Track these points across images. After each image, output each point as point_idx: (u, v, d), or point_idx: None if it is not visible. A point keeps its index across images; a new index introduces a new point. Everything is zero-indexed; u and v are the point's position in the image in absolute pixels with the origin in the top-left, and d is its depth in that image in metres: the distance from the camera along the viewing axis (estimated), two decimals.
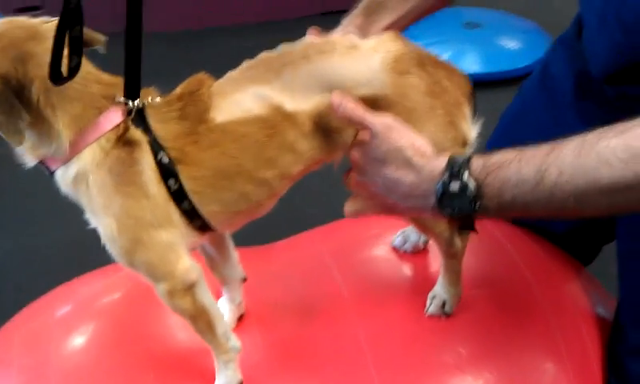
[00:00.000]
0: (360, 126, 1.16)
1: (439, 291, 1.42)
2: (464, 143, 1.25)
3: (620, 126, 0.98)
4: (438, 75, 1.21)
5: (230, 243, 1.40)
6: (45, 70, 1.01)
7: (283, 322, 1.44)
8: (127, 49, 1.11)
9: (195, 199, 1.16)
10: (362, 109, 1.14)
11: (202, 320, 1.23)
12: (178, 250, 1.18)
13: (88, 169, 1.10)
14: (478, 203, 1.04)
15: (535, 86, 1.70)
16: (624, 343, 1.37)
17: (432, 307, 1.42)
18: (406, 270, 1.56)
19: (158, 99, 1.14)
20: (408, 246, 1.56)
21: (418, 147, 1.11)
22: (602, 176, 0.95)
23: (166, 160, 1.11)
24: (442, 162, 1.09)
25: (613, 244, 1.52)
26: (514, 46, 4.02)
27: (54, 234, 2.74)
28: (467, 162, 1.07)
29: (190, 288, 1.19)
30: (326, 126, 1.19)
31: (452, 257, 1.38)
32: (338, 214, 1.75)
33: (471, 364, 1.38)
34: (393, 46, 1.20)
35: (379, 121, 1.13)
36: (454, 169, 1.06)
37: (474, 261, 1.48)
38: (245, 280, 1.44)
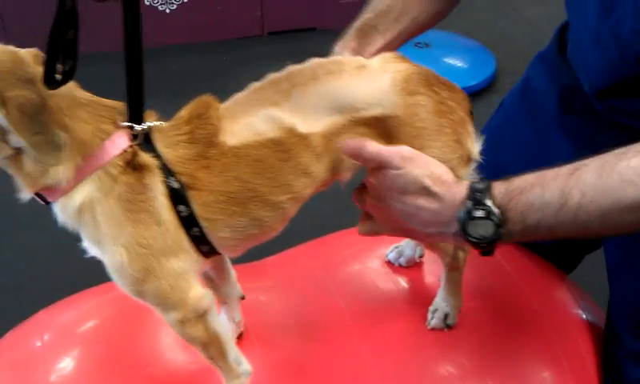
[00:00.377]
0: (378, 161, 1.15)
1: (440, 304, 1.43)
2: (469, 160, 1.26)
3: (638, 146, 1.01)
4: (444, 94, 1.21)
5: (228, 262, 1.37)
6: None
7: (284, 340, 1.42)
8: (129, 72, 1.08)
9: (206, 226, 1.12)
10: (376, 145, 1.14)
11: (213, 347, 1.20)
12: (189, 277, 1.15)
13: (95, 197, 1.05)
14: (502, 229, 1.06)
15: (516, 101, 1.74)
16: (621, 349, 1.41)
17: (434, 320, 1.42)
18: (402, 283, 1.56)
19: (161, 123, 1.12)
20: (402, 261, 1.57)
21: (438, 175, 1.12)
22: (626, 195, 0.98)
23: (176, 185, 1.08)
24: (462, 190, 1.10)
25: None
26: (462, 65, 4.14)
27: None
28: (489, 189, 1.08)
29: (202, 316, 1.16)
30: (336, 147, 1.17)
31: (454, 269, 1.39)
32: (327, 229, 1.75)
33: (475, 374, 1.40)
34: (401, 66, 1.20)
35: (397, 154, 1.13)
36: (477, 196, 1.08)
37: (468, 273, 1.49)
38: (243, 298, 1.41)
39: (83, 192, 1.05)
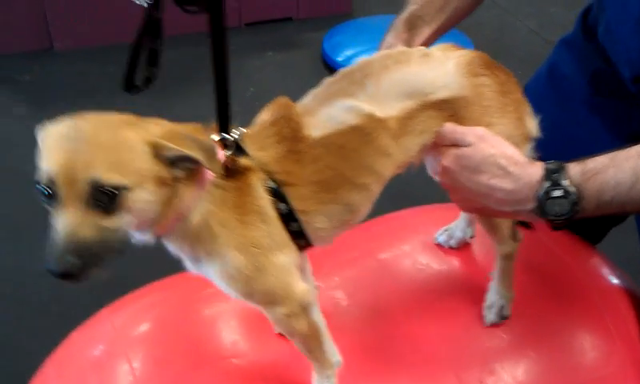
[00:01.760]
0: (453, 139, 1.23)
1: (495, 299, 1.50)
2: (529, 138, 1.35)
3: None
4: (502, 76, 1.30)
5: (306, 256, 1.41)
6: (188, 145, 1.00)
7: (354, 325, 1.48)
8: (218, 88, 1.11)
9: (304, 218, 1.18)
10: (452, 124, 1.23)
11: (313, 339, 1.25)
12: (293, 271, 1.20)
13: (210, 210, 1.08)
14: (577, 207, 1.16)
15: (542, 85, 1.82)
16: None
17: (491, 316, 1.49)
18: (455, 263, 1.64)
19: (244, 130, 1.17)
20: (453, 242, 1.65)
21: (510, 156, 1.21)
22: None
23: (273, 184, 1.13)
24: (537, 170, 1.19)
25: None
26: None
27: None
28: (565, 170, 1.17)
29: (306, 309, 1.22)
30: (412, 130, 1.25)
31: (507, 258, 1.47)
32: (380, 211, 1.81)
33: (535, 342, 1.49)
34: (461, 52, 1.29)
35: (471, 131, 1.22)
36: (554, 177, 1.17)
37: None
38: (317, 289, 1.47)
39: (200, 209, 1.08)
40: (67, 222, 0.93)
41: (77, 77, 4.26)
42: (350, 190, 1.22)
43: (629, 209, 1.18)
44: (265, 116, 1.20)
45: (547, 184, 1.17)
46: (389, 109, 1.21)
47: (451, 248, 1.65)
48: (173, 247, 1.15)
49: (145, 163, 0.97)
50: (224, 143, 1.12)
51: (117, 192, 0.94)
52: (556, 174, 1.17)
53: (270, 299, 1.18)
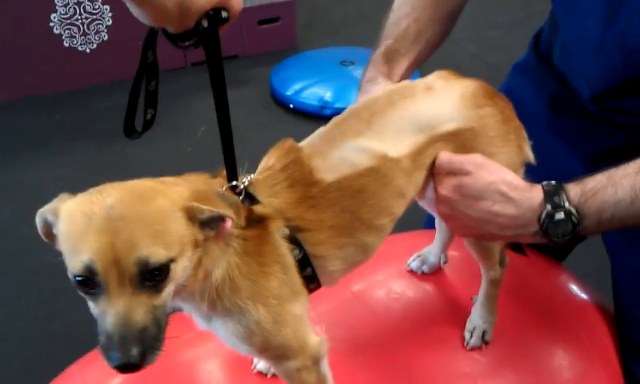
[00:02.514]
0: (450, 168, 1.24)
1: (478, 322, 1.50)
2: (526, 163, 1.37)
3: None
4: (501, 104, 1.32)
5: None
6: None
7: (333, 360, 1.45)
8: (223, 137, 1.08)
9: (319, 263, 1.15)
10: (448, 153, 1.24)
11: None
12: (306, 321, 1.17)
13: (233, 262, 1.05)
14: (579, 226, 1.18)
15: None
16: (635, 325, 1.54)
17: (473, 339, 1.49)
18: (429, 289, 1.64)
19: (253, 176, 1.13)
20: (426, 268, 1.65)
21: (510, 181, 1.22)
22: None
23: (286, 231, 1.10)
24: (538, 194, 1.21)
25: None
26: None
27: None
28: (565, 191, 1.19)
29: (317, 362, 1.19)
30: (421, 165, 1.24)
31: (495, 284, 1.48)
32: None
33: (513, 363, 1.50)
34: (463, 82, 1.30)
35: (469, 160, 1.23)
36: (555, 199, 1.19)
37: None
38: None
39: (222, 263, 1.04)
40: (120, 309, 0.87)
41: (24, 127, 4.16)
42: (366, 232, 1.20)
43: (630, 224, 1.20)
44: (270, 161, 1.16)
45: (549, 207, 1.19)
46: (400, 147, 1.20)
47: (424, 274, 1.64)
48: (188, 306, 1.10)
49: (182, 230, 0.92)
50: (234, 192, 1.09)
51: (164, 267, 0.89)
52: (557, 197, 1.19)
53: (283, 353, 1.13)
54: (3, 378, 2.49)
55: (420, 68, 1.61)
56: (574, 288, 1.71)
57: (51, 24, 4.24)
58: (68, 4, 4.22)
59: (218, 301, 1.05)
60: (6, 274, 3.02)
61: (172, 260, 0.90)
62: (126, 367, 0.87)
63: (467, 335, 1.50)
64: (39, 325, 2.75)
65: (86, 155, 3.74)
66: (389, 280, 1.65)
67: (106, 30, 4.37)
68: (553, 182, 1.22)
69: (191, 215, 0.94)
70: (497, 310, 1.51)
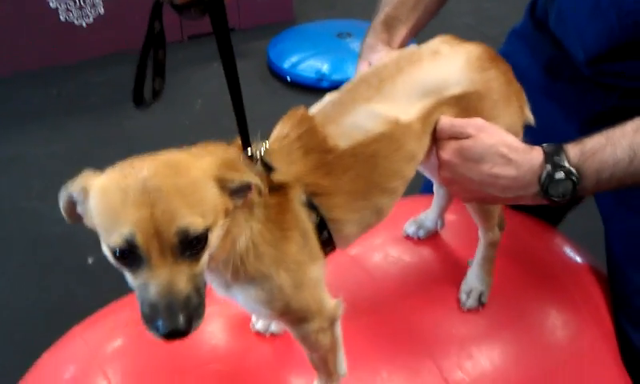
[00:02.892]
0: (452, 132, 1.25)
1: (475, 284, 1.52)
2: (526, 125, 1.39)
3: None
4: (503, 67, 1.34)
5: None
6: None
7: None
8: (235, 107, 1.10)
9: (335, 227, 1.17)
10: (449, 117, 1.25)
11: (332, 353, 1.24)
12: (323, 285, 1.19)
13: (256, 229, 1.06)
14: (579, 185, 1.19)
15: None
16: (629, 286, 1.56)
17: (470, 301, 1.52)
18: (425, 254, 1.66)
19: (267, 145, 1.14)
20: (422, 233, 1.67)
21: (510, 143, 1.23)
22: None
23: (304, 197, 1.12)
24: (538, 154, 1.22)
25: None
26: None
27: None
28: (564, 152, 1.21)
29: (333, 324, 1.21)
30: (429, 128, 1.26)
31: (493, 245, 1.51)
32: None
33: (509, 324, 1.53)
34: (467, 46, 1.32)
35: (470, 123, 1.24)
36: (555, 159, 1.20)
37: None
38: None
39: (246, 231, 1.05)
40: (163, 279, 0.88)
41: (21, 101, 4.17)
42: (380, 195, 1.23)
43: (628, 183, 1.21)
44: (284, 130, 1.17)
45: (549, 167, 1.20)
46: (410, 111, 1.22)
47: (420, 239, 1.66)
48: (210, 276, 1.10)
49: (216, 199, 0.94)
50: (250, 160, 1.10)
51: (202, 236, 0.90)
52: (557, 157, 1.21)
53: (303, 316, 1.15)
54: (3, 346, 2.52)
55: (418, 38, 1.62)
56: (569, 250, 1.74)
57: None
58: None
59: (242, 268, 1.06)
60: (4, 246, 3.04)
61: (208, 229, 0.91)
62: (174, 334, 0.88)
63: (464, 297, 1.52)
64: (37, 296, 2.78)
65: (83, 129, 3.75)
66: (386, 245, 1.67)
67: (102, 4, 4.36)
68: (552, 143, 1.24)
69: (223, 184, 0.95)
70: (493, 272, 1.53)
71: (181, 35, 4.58)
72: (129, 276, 0.92)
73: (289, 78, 4.19)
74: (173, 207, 0.88)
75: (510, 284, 1.59)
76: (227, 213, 0.97)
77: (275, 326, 1.41)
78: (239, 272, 1.07)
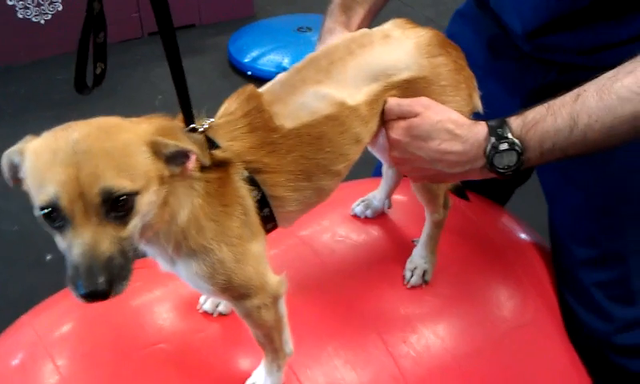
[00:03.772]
0: (399, 112, 1.27)
1: (419, 262, 1.55)
2: (475, 111, 1.41)
3: (627, 67, 1.19)
4: (454, 54, 1.36)
5: None
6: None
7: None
8: (176, 83, 1.10)
9: (276, 204, 1.18)
10: (396, 98, 1.28)
11: (277, 330, 1.25)
12: (264, 260, 1.20)
13: (197, 203, 1.06)
14: (523, 156, 1.22)
15: None
16: (571, 259, 1.60)
17: (414, 278, 1.55)
18: (373, 232, 1.69)
19: (211, 121, 1.15)
20: (369, 213, 1.69)
21: (455, 119, 1.26)
22: (624, 111, 1.16)
23: (246, 173, 1.13)
24: (482, 128, 1.25)
25: None
26: None
27: None
28: (507, 124, 1.24)
29: (276, 300, 1.22)
30: (376, 112, 1.28)
31: (438, 225, 1.54)
32: None
33: (454, 300, 1.56)
34: (418, 31, 1.33)
35: (417, 102, 1.27)
36: (498, 131, 1.23)
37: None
38: None
39: (187, 204, 1.05)
40: (86, 240, 0.89)
41: None
42: (323, 176, 1.24)
43: (571, 153, 1.24)
44: (232, 106, 1.17)
45: (493, 139, 1.23)
46: (357, 95, 1.24)
47: (367, 218, 1.69)
48: (152, 250, 1.11)
49: (148, 164, 0.94)
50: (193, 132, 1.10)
51: (129, 198, 0.90)
52: (500, 129, 1.24)
53: (245, 292, 1.16)
54: None
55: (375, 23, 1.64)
56: (513, 227, 1.78)
57: None
58: None
59: (184, 242, 1.07)
60: None
61: (137, 192, 0.92)
62: (93, 295, 0.88)
63: (408, 274, 1.55)
64: None
65: (44, 126, 3.57)
66: (334, 224, 1.69)
67: (60, 1, 4.32)
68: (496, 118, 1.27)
69: (156, 149, 0.95)
70: (437, 251, 1.56)
71: (141, 32, 4.55)
72: (58, 239, 0.93)
73: (249, 73, 4.19)
74: (99, 168, 0.88)
75: (456, 261, 1.63)
76: (163, 180, 0.98)
77: (223, 307, 1.43)
78: (182, 246, 1.08)
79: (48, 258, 2.82)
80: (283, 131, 1.17)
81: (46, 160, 0.89)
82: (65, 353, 1.38)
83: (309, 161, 1.20)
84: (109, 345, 1.38)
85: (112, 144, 0.91)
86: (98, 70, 1.07)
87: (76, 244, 0.89)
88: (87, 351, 1.38)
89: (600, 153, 1.24)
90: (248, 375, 1.34)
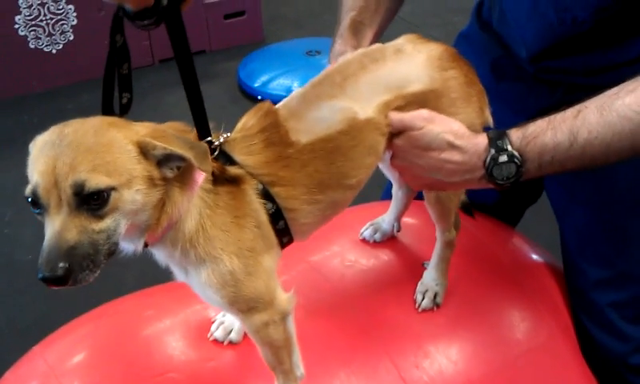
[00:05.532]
0: (401, 126, 1.28)
1: (430, 284, 1.55)
2: (485, 126, 1.42)
3: (628, 86, 1.19)
4: (465, 68, 1.37)
5: None
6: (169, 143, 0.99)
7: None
8: (189, 97, 1.12)
9: (291, 216, 1.19)
10: (398, 113, 1.28)
11: (285, 350, 1.24)
12: (275, 276, 1.20)
13: (205, 214, 1.08)
14: (522, 168, 1.23)
15: None
16: (584, 280, 1.59)
17: (425, 301, 1.54)
18: (382, 256, 1.68)
19: (228, 135, 1.16)
20: (378, 236, 1.69)
21: (456, 131, 1.27)
22: (623, 128, 1.17)
23: (260, 187, 1.14)
24: (482, 140, 1.26)
25: None
26: None
27: None
28: (507, 136, 1.25)
29: (285, 318, 1.22)
30: (387, 123, 1.28)
31: (449, 245, 1.53)
32: None
33: (466, 322, 1.55)
34: (429, 45, 1.35)
35: (418, 115, 1.27)
36: (498, 143, 1.24)
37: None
38: None
39: (195, 213, 1.07)
40: (54, 227, 0.92)
41: None
42: (337, 190, 1.25)
43: (569, 167, 1.24)
44: (248, 121, 1.20)
45: (493, 151, 1.24)
46: (370, 107, 1.25)
47: (376, 242, 1.68)
48: (162, 256, 1.13)
49: (132, 162, 0.96)
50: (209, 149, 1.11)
51: (103, 193, 0.93)
52: (500, 141, 1.25)
53: (253, 305, 1.16)
54: None
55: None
56: (525, 248, 1.77)
57: (16, 26, 4.24)
58: (32, 5, 4.22)
59: (192, 250, 1.08)
60: None
61: (113, 188, 0.94)
62: (50, 280, 0.90)
63: (419, 297, 1.54)
64: (10, 319, 2.78)
65: None
66: (343, 249, 1.68)
67: (71, 30, 4.37)
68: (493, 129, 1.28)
69: (144, 150, 0.97)
70: (448, 274, 1.56)
71: (152, 59, 4.59)
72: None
73: (260, 98, 4.21)
74: (75, 161, 0.92)
75: (468, 283, 1.62)
76: (152, 181, 0.99)
77: (234, 334, 1.42)
78: (189, 254, 1.09)
79: None
80: (299, 146, 1.18)
81: (36, 151, 0.95)
82: (76, 383, 1.38)
83: (323, 174, 1.21)
84: (119, 375, 1.38)
85: (96, 140, 0.94)
86: (124, 100, 1.09)
87: (47, 231, 0.93)
88: (98, 381, 1.38)
89: (601, 168, 1.25)
90: None
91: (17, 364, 1.50)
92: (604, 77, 1.46)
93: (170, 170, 1.01)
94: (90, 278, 0.94)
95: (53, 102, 4.34)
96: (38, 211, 0.95)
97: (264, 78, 4.27)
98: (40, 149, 0.95)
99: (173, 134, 1.02)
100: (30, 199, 0.94)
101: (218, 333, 1.43)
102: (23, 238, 3.15)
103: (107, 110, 1.07)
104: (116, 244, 0.98)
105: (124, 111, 1.08)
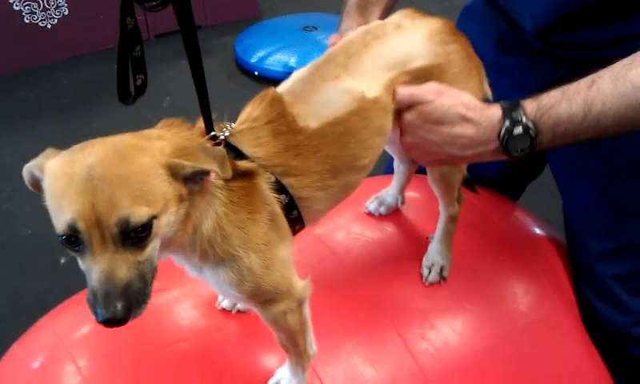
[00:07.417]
0: (411, 100, 1.28)
1: (436, 258, 1.56)
2: (485, 98, 1.42)
3: None
4: (464, 42, 1.37)
5: None
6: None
7: None
8: (198, 90, 1.09)
9: (304, 204, 1.17)
10: (407, 87, 1.27)
11: (302, 334, 1.25)
12: (291, 265, 1.20)
13: (223, 211, 1.06)
14: (536, 140, 1.23)
15: None
16: (587, 253, 1.60)
17: (432, 275, 1.55)
18: (387, 229, 1.69)
19: (233, 126, 1.14)
20: (383, 210, 1.70)
21: (467, 103, 1.27)
22: (637, 99, 1.17)
23: (272, 178, 1.12)
24: (496, 111, 1.26)
25: None
26: None
27: None
28: (522, 107, 1.24)
29: (301, 305, 1.22)
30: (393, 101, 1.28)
31: (453, 219, 1.54)
32: None
33: (471, 295, 1.56)
34: (429, 20, 1.34)
35: (428, 89, 1.27)
36: (513, 115, 1.23)
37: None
38: None
39: (211, 213, 1.05)
40: (103, 267, 0.89)
41: None
42: (349, 172, 1.24)
43: (583, 138, 1.24)
44: (253, 111, 1.16)
45: (507, 123, 1.24)
46: (375, 86, 1.23)
47: (381, 215, 1.70)
48: (179, 259, 1.12)
49: (165, 186, 0.93)
50: (214, 142, 1.10)
51: (148, 224, 0.90)
52: (514, 113, 1.24)
53: (271, 297, 1.16)
54: None
55: None
56: (528, 222, 1.78)
57: (11, 1, 4.21)
58: None
59: (210, 250, 1.07)
60: None
61: (154, 217, 0.91)
62: (110, 322, 0.89)
63: (425, 271, 1.55)
64: (10, 295, 2.78)
65: (51, 130, 3.73)
66: (348, 222, 1.69)
67: (66, 5, 4.33)
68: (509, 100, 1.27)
69: (174, 171, 0.94)
70: (452, 247, 1.57)
71: (148, 34, 4.57)
72: (79, 260, 0.94)
73: (257, 73, 4.20)
74: (115, 197, 0.88)
75: (471, 256, 1.63)
76: (181, 199, 0.97)
77: (241, 304, 1.43)
78: (208, 254, 1.08)
79: (62, 261, 2.83)
80: (308, 132, 1.16)
81: (62, 185, 0.90)
82: (85, 353, 1.39)
83: (335, 159, 1.20)
84: (129, 345, 1.38)
85: (128, 169, 0.91)
86: (139, 82, 1.07)
87: (94, 270, 0.89)
88: (108, 351, 1.38)
89: (610, 141, 1.25)
90: (267, 373, 1.34)
91: (24, 335, 1.51)
92: (610, 51, 1.46)
93: (195, 183, 1.00)
94: (144, 310, 0.93)
95: (49, 77, 4.32)
96: (73, 248, 0.91)
97: (260, 54, 4.25)
98: (68, 182, 0.89)
99: (196, 148, 1.00)
100: (64, 236, 0.90)
101: (225, 302, 1.44)
102: (22, 214, 3.14)
103: (123, 94, 1.05)
104: (156, 268, 0.97)
105: (139, 93, 1.06)
